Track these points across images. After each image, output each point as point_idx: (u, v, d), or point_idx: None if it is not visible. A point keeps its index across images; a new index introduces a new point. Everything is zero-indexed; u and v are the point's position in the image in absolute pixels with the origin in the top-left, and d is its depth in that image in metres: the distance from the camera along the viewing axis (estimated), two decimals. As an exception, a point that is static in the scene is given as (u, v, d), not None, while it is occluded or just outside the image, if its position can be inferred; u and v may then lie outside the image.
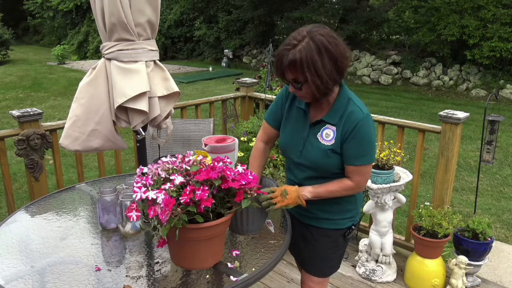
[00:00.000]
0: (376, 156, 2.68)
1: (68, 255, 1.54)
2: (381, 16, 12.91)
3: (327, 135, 1.62)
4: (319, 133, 1.63)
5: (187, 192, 1.25)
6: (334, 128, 1.61)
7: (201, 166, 1.37)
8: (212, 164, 1.37)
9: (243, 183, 1.34)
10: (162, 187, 1.29)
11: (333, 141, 1.60)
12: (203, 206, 1.25)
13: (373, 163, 1.66)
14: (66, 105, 8.65)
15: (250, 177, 1.38)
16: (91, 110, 1.92)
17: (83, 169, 3.01)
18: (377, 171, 2.62)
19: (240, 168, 1.41)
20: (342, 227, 1.76)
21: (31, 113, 2.63)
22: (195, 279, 1.42)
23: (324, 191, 1.64)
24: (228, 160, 1.43)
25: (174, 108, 2.53)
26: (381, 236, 2.76)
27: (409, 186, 3.00)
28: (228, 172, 1.34)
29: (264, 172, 3.27)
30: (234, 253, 1.54)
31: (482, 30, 9.58)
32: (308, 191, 1.64)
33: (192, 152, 1.45)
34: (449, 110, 2.71)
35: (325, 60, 1.47)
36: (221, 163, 1.38)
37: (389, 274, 2.80)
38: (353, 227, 1.78)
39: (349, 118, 1.58)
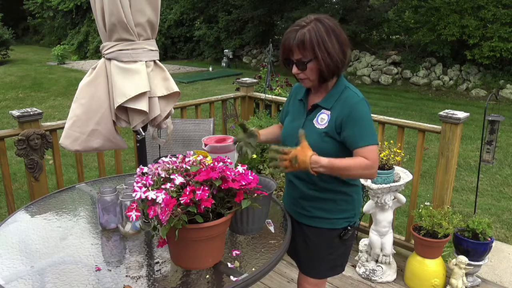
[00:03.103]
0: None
1: (68, 255, 1.54)
2: (381, 16, 12.91)
3: (322, 120, 1.63)
4: (315, 119, 1.65)
5: (187, 193, 1.25)
6: (328, 112, 1.62)
7: (201, 166, 1.37)
8: (212, 164, 1.37)
9: (243, 183, 1.34)
10: (163, 186, 1.29)
11: (326, 124, 1.61)
12: (203, 206, 1.25)
13: (377, 145, 1.61)
14: (66, 105, 8.65)
15: (250, 177, 1.38)
16: (91, 110, 1.92)
17: (83, 169, 3.01)
18: (377, 171, 2.62)
19: (240, 168, 1.41)
20: (337, 227, 1.73)
21: (31, 113, 2.63)
22: (195, 279, 1.42)
23: (339, 164, 1.54)
24: (229, 160, 1.43)
25: (174, 108, 2.53)
26: (381, 236, 2.76)
27: (409, 186, 3.00)
28: (228, 172, 1.34)
29: (264, 172, 3.28)
30: (234, 253, 1.54)
31: (482, 30, 9.58)
32: (322, 165, 1.53)
33: (192, 152, 1.45)
34: (449, 110, 2.71)
35: (333, 41, 1.54)
36: (221, 163, 1.38)
37: (389, 274, 2.80)
38: (349, 228, 1.74)
39: (345, 102, 1.59)
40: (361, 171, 1.57)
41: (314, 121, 1.64)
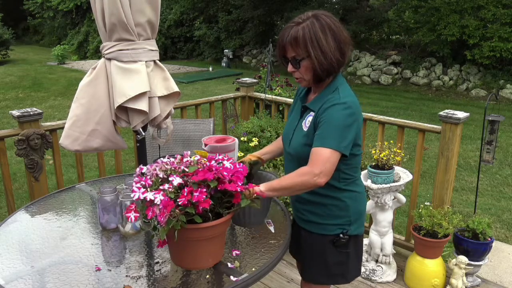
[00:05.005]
0: (375, 155, 2.68)
1: (68, 255, 1.55)
2: (381, 16, 12.91)
3: (309, 122, 1.59)
4: (304, 121, 1.62)
5: (185, 194, 1.24)
6: (314, 114, 1.58)
7: (199, 166, 1.36)
8: (209, 164, 1.35)
9: (240, 184, 1.33)
10: (161, 187, 1.29)
11: (308, 127, 1.58)
12: (201, 207, 1.25)
13: (338, 152, 1.48)
14: (66, 105, 8.65)
15: (239, 169, 1.36)
16: (91, 110, 1.92)
17: (83, 169, 3.01)
18: (377, 171, 2.62)
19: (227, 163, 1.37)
20: (329, 233, 1.65)
21: (31, 113, 2.63)
22: (195, 279, 1.42)
23: (278, 183, 1.49)
24: (225, 159, 1.41)
25: (174, 108, 2.53)
26: (381, 236, 2.76)
27: (409, 186, 3.00)
28: (225, 173, 1.32)
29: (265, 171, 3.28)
30: (234, 253, 1.54)
31: (482, 30, 9.57)
32: (263, 184, 1.48)
33: (189, 152, 1.44)
34: (449, 110, 2.71)
35: (329, 39, 1.48)
36: (216, 163, 1.35)
37: (389, 274, 2.80)
38: (341, 235, 1.64)
39: (325, 103, 1.53)
40: (300, 178, 1.47)
41: (302, 124, 1.62)
